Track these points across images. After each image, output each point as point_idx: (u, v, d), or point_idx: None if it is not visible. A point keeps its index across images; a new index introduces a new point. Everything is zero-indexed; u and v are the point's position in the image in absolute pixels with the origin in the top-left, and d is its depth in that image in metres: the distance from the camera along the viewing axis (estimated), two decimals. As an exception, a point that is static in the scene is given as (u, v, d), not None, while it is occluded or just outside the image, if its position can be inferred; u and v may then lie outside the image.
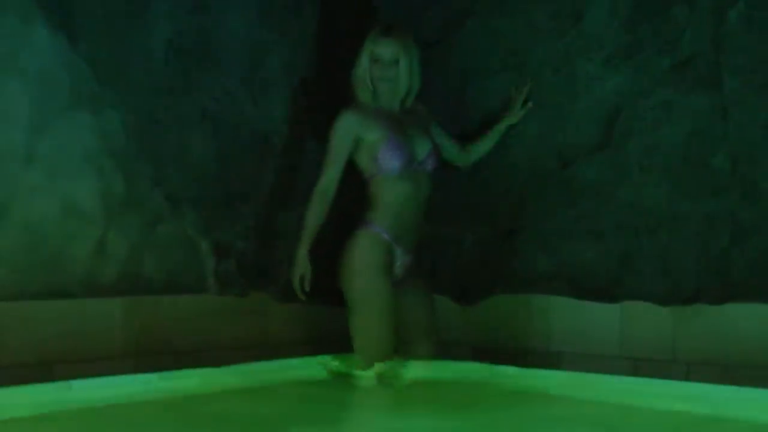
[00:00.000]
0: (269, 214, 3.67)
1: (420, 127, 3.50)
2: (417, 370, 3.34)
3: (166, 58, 3.37)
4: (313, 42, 3.80)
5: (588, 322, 3.47)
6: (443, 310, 3.67)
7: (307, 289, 3.38)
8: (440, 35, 3.81)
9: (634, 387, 3.02)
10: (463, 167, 3.68)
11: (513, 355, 3.55)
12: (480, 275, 3.72)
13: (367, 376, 3.30)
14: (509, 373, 3.28)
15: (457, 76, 3.76)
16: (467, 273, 3.75)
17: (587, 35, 3.44)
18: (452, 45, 3.78)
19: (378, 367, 3.31)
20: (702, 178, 3.21)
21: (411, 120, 3.49)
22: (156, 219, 3.38)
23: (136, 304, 3.31)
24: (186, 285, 3.47)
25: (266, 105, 3.65)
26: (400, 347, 3.44)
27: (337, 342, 3.45)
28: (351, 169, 3.45)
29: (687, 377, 3.21)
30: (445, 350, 3.47)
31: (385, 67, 3.41)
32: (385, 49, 3.41)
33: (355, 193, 3.48)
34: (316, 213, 3.39)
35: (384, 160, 3.36)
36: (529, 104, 3.57)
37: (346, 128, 3.39)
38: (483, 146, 3.63)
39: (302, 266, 3.38)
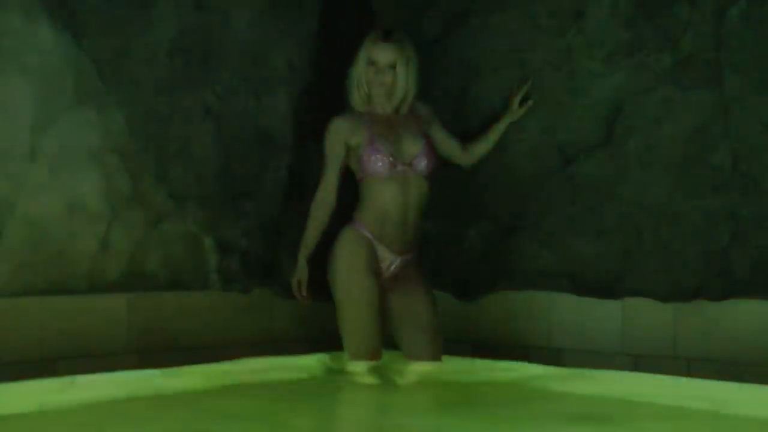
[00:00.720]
0: (272, 211, 3.68)
1: (413, 128, 3.48)
2: (417, 367, 3.35)
3: (169, 56, 3.38)
4: (316, 40, 3.80)
5: (589, 318, 3.47)
6: (444, 307, 3.68)
7: (304, 293, 3.46)
8: (441, 33, 3.80)
9: (635, 383, 3.04)
10: (465, 167, 3.68)
11: (514, 351, 3.56)
12: (481, 272, 3.72)
13: (358, 371, 3.31)
14: (510, 369, 3.29)
15: (458, 74, 3.76)
16: (468, 269, 3.76)
17: (588, 33, 3.44)
18: (453, 43, 3.77)
19: (372, 363, 3.32)
20: (703, 175, 3.21)
21: (403, 122, 3.49)
22: (160, 216, 3.40)
23: (140, 300, 3.32)
24: (189, 282, 3.48)
25: (270, 103, 3.66)
26: (402, 347, 3.45)
27: (341, 339, 3.46)
28: (352, 172, 3.51)
29: (688, 373, 3.22)
30: (445, 347, 3.48)
31: (380, 71, 3.42)
32: (381, 53, 3.41)
33: (356, 196, 3.51)
34: (316, 220, 3.46)
35: (368, 163, 3.39)
36: (530, 102, 3.56)
37: (336, 135, 3.44)
38: (484, 146, 3.62)
39: (300, 272, 3.47)
